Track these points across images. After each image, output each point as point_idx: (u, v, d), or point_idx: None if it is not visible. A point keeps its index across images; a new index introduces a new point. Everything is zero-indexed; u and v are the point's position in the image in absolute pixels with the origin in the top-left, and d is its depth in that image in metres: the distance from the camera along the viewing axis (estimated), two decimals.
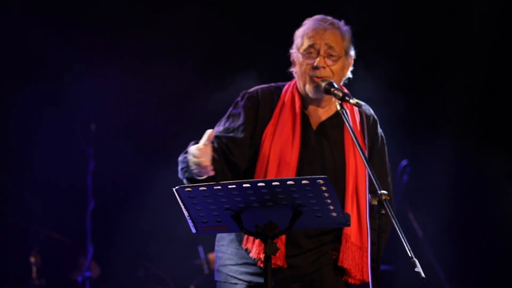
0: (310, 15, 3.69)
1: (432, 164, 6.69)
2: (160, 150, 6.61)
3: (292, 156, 3.57)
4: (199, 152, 3.26)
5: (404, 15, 6.65)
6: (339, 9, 4.59)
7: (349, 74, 3.69)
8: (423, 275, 2.95)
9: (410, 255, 2.98)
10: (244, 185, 2.87)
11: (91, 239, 6.24)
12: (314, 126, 3.66)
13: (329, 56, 3.58)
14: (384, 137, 3.77)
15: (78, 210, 6.43)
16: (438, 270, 6.49)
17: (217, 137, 3.58)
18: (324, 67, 3.56)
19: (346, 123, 3.37)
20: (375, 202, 3.08)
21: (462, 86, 6.62)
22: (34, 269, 5.96)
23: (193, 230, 3.07)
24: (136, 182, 6.74)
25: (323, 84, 3.52)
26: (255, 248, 3.54)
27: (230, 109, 3.71)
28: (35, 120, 6.50)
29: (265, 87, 3.74)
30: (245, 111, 3.64)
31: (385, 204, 3.07)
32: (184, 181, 3.50)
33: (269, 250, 2.97)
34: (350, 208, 3.58)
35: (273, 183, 2.86)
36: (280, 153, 3.57)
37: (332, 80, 3.54)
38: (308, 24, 3.63)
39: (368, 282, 3.45)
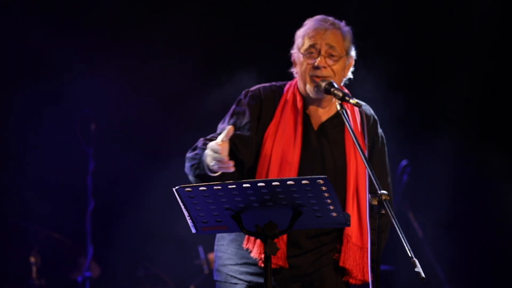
0: (310, 15, 3.68)
1: (432, 164, 6.68)
2: (160, 150, 6.61)
3: (294, 156, 3.57)
4: (221, 148, 3.25)
5: (404, 15, 6.65)
6: (339, 9, 4.59)
7: (350, 75, 3.70)
8: (423, 275, 2.95)
9: (410, 255, 2.98)
10: (244, 185, 2.87)
11: (91, 239, 6.24)
12: (315, 126, 3.66)
13: (330, 56, 3.58)
14: (384, 137, 3.76)
15: (78, 210, 6.43)
16: (438, 270, 6.49)
17: None
18: (325, 67, 3.56)
19: (346, 123, 3.37)
20: (375, 202, 3.08)
21: (462, 86, 6.62)
22: (34, 269, 5.96)
23: (193, 230, 3.07)
24: (136, 182, 6.73)
25: (323, 84, 3.52)
26: (256, 248, 3.54)
27: (233, 106, 3.70)
28: (35, 120, 6.50)
29: (266, 85, 3.73)
30: (250, 109, 3.63)
31: (385, 204, 3.07)
32: (191, 178, 3.48)
33: (269, 250, 2.97)
34: (351, 208, 3.58)
35: (273, 183, 2.85)
36: (282, 153, 3.57)
37: (332, 80, 3.54)
38: (309, 24, 3.63)
39: (369, 282, 3.45)
